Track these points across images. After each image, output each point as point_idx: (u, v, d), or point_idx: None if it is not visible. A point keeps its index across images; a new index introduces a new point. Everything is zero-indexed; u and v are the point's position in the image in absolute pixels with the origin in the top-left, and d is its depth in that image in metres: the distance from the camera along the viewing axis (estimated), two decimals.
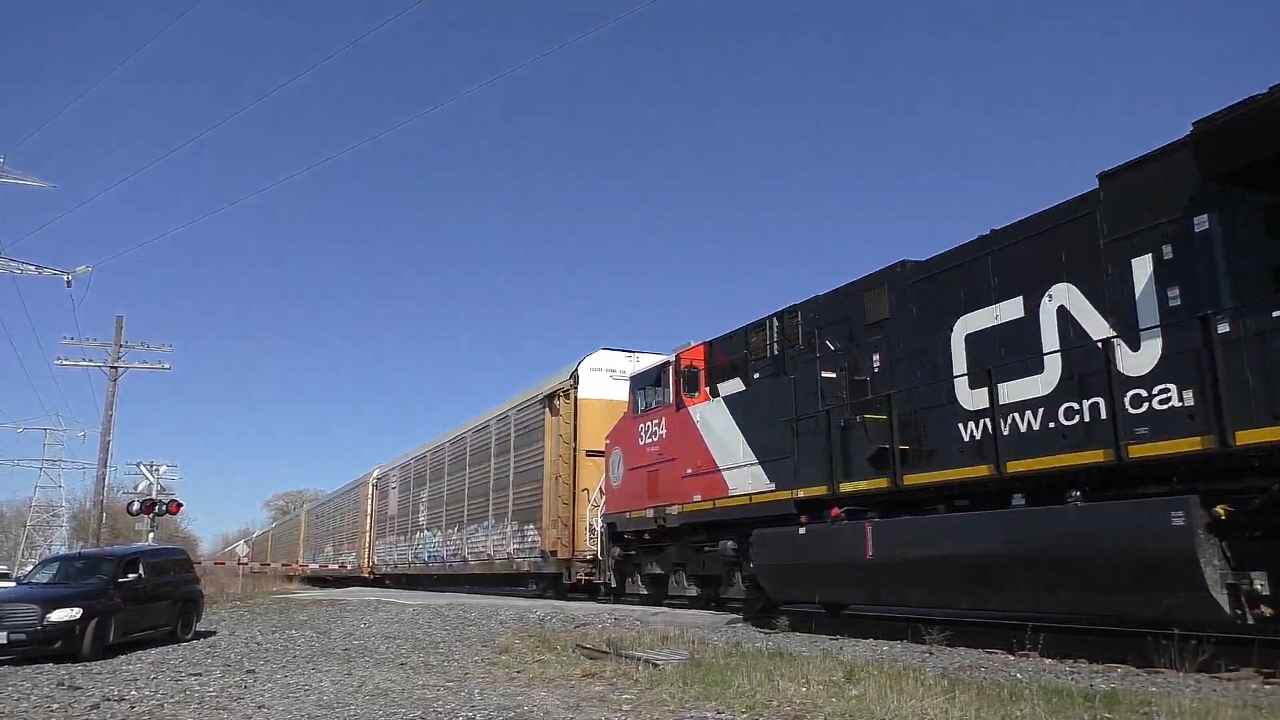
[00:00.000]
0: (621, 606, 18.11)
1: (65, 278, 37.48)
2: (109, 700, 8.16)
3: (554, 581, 22.93)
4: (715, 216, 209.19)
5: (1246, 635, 8.95)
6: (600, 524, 19.26)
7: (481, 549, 27.20)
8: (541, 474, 22.65)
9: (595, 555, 20.05)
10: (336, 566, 44.97)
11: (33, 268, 38.81)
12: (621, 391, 19.40)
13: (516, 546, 24.35)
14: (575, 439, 21.47)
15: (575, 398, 21.87)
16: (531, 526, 23.30)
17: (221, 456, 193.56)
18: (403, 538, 36.23)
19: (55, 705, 8.00)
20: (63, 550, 61.27)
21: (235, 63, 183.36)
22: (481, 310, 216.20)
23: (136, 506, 30.49)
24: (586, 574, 20.55)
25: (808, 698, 6.75)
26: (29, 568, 33.23)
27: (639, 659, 9.06)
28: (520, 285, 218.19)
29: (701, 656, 9.28)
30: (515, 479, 24.82)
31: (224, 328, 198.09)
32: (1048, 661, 8.78)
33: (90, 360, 33.38)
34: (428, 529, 32.85)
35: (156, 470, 36.02)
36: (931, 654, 9.62)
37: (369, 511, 41.50)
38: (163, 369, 34.28)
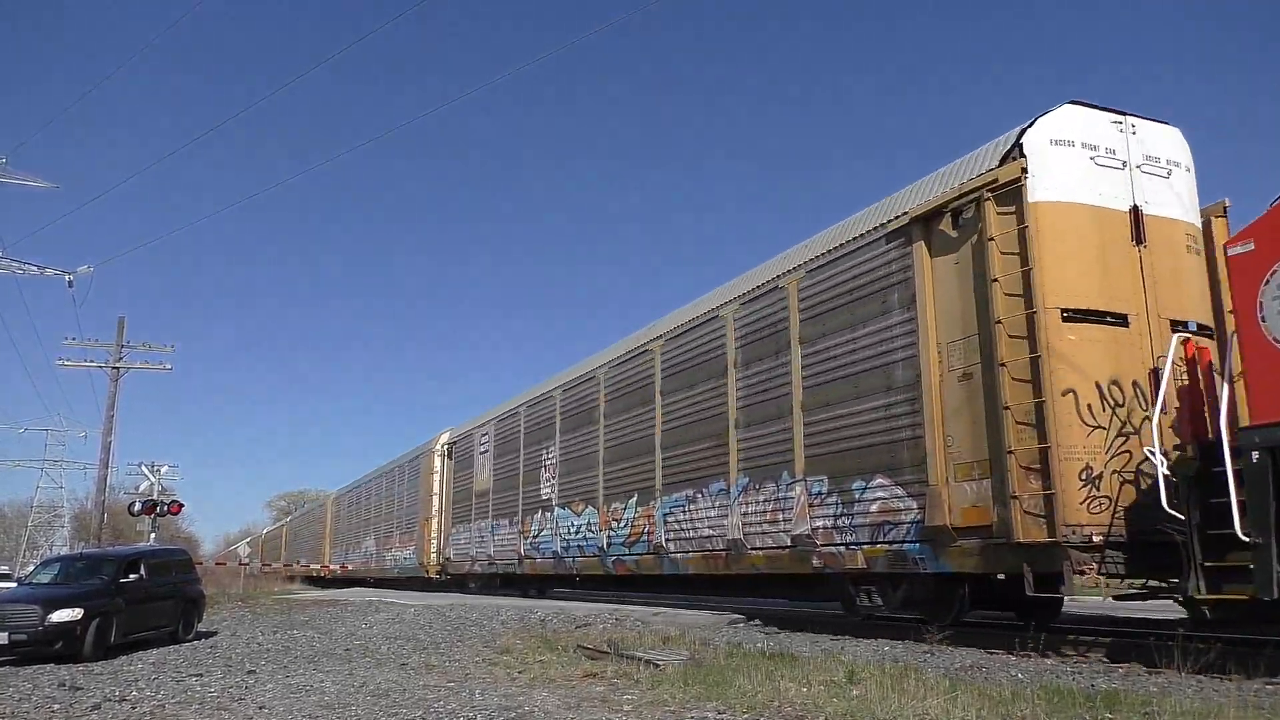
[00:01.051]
0: (624, 607, 17.99)
1: (67, 278, 37.68)
2: (110, 701, 8.16)
3: (945, 590, 11.78)
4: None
5: (1250, 637, 8.95)
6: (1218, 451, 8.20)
7: (710, 530, 15.46)
8: (916, 366, 11.42)
9: (1123, 529, 9.49)
10: (388, 565, 36.43)
11: (34, 268, 38.94)
12: (1120, 190, 10.62)
13: (824, 523, 12.69)
14: (1031, 287, 10.09)
15: (1024, 203, 10.30)
16: (880, 480, 11.87)
17: (223, 457, 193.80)
18: (506, 521, 25.62)
19: (56, 706, 7.99)
20: (64, 551, 61.42)
21: (238, 63, 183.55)
22: (482, 309, 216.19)
23: (138, 507, 30.48)
24: (1107, 570, 9.43)
25: (809, 698, 6.74)
26: (30, 568, 33.26)
27: (640, 659, 9.06)
28: (521, 282, 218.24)
29: (703, 657, 9.28)
30: (814, 395, 13.27)
31: (225, 328, 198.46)
32: (1049, 661, 8.78)
33: (92, 361, 33.47)
34: (563, 505, 21.88)
35: (158, 471, 36.14)
36: (933, 654, 9.63)
37: (438, 490, 31.41)
38: (164, 369, 34.36)
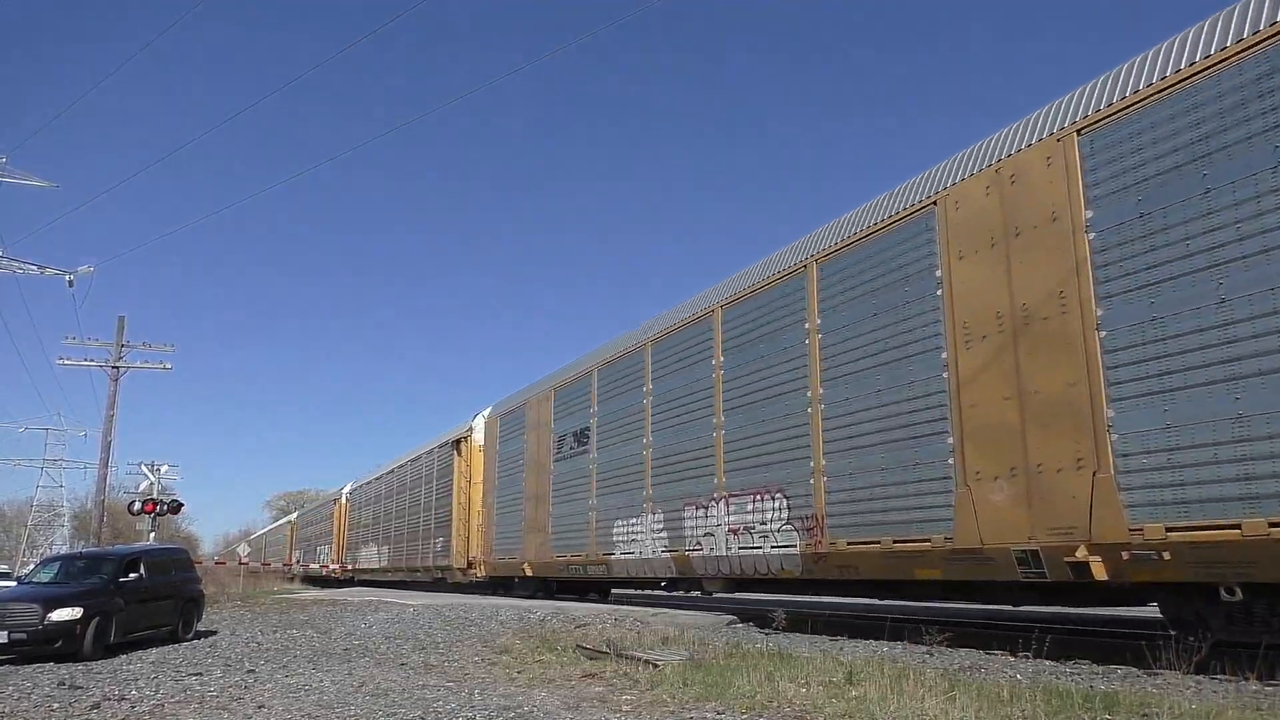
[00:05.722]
0: (623, 607, 18.07)
1: (67, 277, 37.69)
2: (110, 700, 8.16)
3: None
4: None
5: (1238, 640, 8.95)
6: None
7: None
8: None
9: None
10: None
11: (35, 267, 38.95)
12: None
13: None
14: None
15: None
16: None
17: (223, 457, 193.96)
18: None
19: (56, 705, 8.00)
20: (64, 550, 61.43)
21: (237, 62, 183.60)
22: (484, 308, 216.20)
23: (138, 506, 30.49)
24: None
25: (808, 698, 6.75)
26: (30, 567, 33.25)
27: (639, 659, 9.05)
28: (523, 283, 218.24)
29: (702, 657, 9.27)
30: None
31: (226, 327, 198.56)
32: (1048, 663, 8.77)
33: (92, 360, 33.41)
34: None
35: (158, 470, 36.09)
36: (932, 654, 9.62)
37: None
38: (164, 369, 34.33)
